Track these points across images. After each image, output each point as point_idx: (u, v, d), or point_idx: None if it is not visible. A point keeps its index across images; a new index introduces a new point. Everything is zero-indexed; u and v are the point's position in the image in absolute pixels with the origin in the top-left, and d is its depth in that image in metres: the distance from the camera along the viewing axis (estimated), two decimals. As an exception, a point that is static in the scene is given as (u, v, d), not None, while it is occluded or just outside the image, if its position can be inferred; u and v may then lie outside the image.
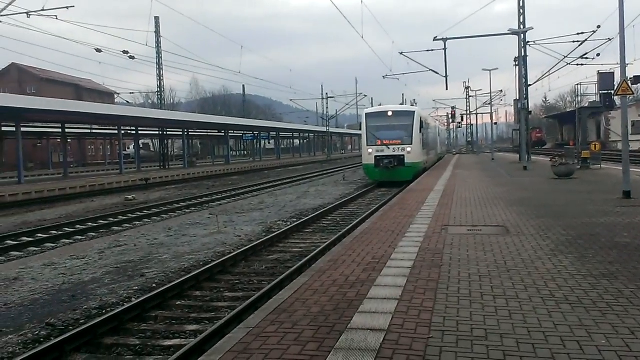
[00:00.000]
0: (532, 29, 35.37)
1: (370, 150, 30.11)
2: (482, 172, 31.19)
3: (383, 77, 46.83)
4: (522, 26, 36.53)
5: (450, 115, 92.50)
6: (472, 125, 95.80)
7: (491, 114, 66.03)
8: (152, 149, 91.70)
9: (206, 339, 6.94)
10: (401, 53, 36.43)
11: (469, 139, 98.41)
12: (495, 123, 77.25)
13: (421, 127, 31.19)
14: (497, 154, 58.93)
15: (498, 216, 12.75)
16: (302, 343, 4.96)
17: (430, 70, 37.15)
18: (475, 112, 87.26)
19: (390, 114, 31.11)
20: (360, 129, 32.51)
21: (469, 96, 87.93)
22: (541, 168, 31.10)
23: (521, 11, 37.15)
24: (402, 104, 39.43)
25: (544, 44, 35.69)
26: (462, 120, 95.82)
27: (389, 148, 29.65)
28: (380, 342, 4.89)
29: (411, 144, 29.71)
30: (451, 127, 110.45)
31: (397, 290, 6.55)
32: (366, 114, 32.11)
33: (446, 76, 35.98)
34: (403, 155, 29.41)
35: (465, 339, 4.91)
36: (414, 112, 31.59)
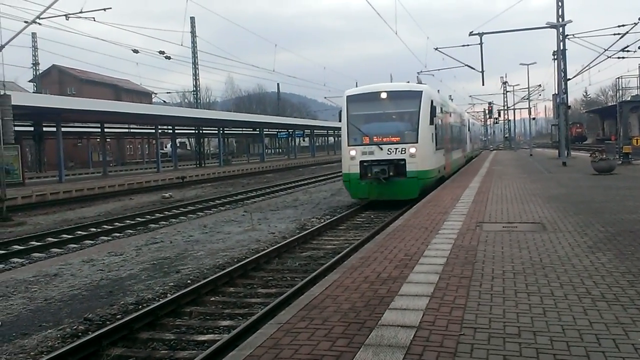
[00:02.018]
0: (571, 21, 34.57)
1: (352, 153, 19.37)
2: (519, 168, 30.65)
3: (418, 73, 46.37)
4: (560, 19, 35.79)
5: (486, 111, 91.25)
6: (510, 120, 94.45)
7: (529, 109, 64.85)
8: (188, 148, 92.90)
9: (239, 334, 7.00)
10: (436, 49, 36.06)
11: (506, 135, 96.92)
12: (534, 118, 75.89)
13: (433, 115, 19.83)
14: (535, 150, 57.91)
15: (534, 213, 12.53)
16: (332, 339, 4.96)
17: (466, 65, 36.66)
18: (512, 107, 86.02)
19: (384, 95, 19.97)
20: (340, 120, 20.58)
21: (506, 91, 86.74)
22: (581, 164, 30.43)
23: (559, 4, 36.40)
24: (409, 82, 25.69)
25: (583, 37, 34.99)
26: (499, 115, 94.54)
27: (381, 149, 19.06)
28: (411, 338, 4.86)
29: (416, 142, 19.02)
30: (488, 122, 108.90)
31: (429, 287, 6.49)
32: (348, 97, 20.52)
33: (482, 71, 35.46)
34: (404, 160, 18.86)
35: (498, 336, 4.84)
36: (421, 92, 19.85)
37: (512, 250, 8.49)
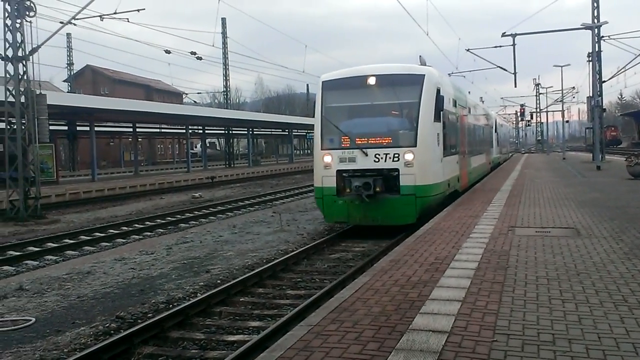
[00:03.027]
0: (607, 22, 33.90)
1: (327, 160, 14.32)
2: (552, 172, 30.17)
3: (449, 74, 46.03)
4: (595, 20, 35.14)
5: (518, 113, 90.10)
6: (542, 123, 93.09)
7: (562, 111, 63.81)
8: (218, 148, 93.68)
9: (268, 335, 7.01)
10: (468, 50, 35.72)
11: (539, 138, 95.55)
12: (567, 121, 74.67)
13: (439, 108, 14.63)
14: (568, 153, 56.99)
15: (568, 217, 12.31)
16: (362, 342, 4.93)
17: (498, 67, 36.21)
18: (545, 109, 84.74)
19: (371, 81, 14.61)
20: (314, 115, 15.27)
21: (539, 93, 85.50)
22: (615, 168, 29.82)
23: (595, 4, 35.75)
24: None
25: (619, 39, 34.36)
26: (532, 118, 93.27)
27: (366, 155, 13.96)
28: (443, 344, 4.80)
29: (414, 144, 13.87)
30: (520, 125, 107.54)
31: (460, 292, 6.42)
32: (323, 82, 15.29)
33: (515, 73, 34.96)
34: (396, 171, 13.81)
35: (532, 344, 4.76)
36: (423, 77, 14.47)
37: (545, 255, 8.34)
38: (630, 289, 6.32)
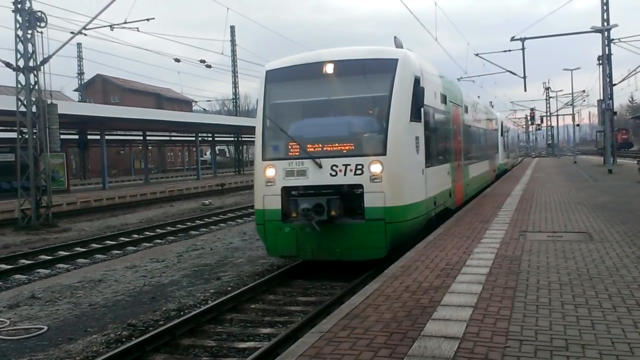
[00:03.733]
0: (617, 26, 33.81)
1: (270, 173, 11.05)
2: (562, 176, 30.00)
3: (458, 79, 46.04)
4: (605, 23, 35.02)
5: (528, 117, 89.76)
6: (553, 127, 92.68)
7: (573, 115, 63.64)
8: (227, 155, 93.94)
9: (279, 342, 7.00)
10: (477, 54, 35.72)
11: (549, 142, 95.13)
12: (578, 125, 74.39)
13: (419, 103, 11.27)
14: (579, 157, 56.67)
15: (580, 222, 12.22)
16: (374, 349, 4.91)
17: (508, 71, 36.17)
18: (555, 113, 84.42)
19: (329, 69, 11.28)
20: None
21: (549, 97, 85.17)
22: (627, 171, 29.61)
23: (604, 7, 35.62)
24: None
25: (630, 42, 34.18)
26: (542, 122, 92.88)
27: (319, 166, 10.67)
28: (455, 350, 4.78)
29: (384, 152, 10.55)
30: (530, 129, 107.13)
31: (472, 298, 6.38)
32: (268, 72, 11.98)
33: (524, 77, 34.93)
34: (360, 187, 10.54)
35: (545, 349, 4.72)
36: (396, 62, 11.10)
37: (557, 260, 8.28)
38: (644, 294, 6.26)
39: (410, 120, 10.89)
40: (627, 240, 9.63)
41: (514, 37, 32.56)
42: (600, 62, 36.64)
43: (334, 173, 10.51)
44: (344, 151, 10.67)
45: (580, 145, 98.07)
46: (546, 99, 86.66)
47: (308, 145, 10.77)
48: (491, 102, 47.44)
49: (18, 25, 22.22)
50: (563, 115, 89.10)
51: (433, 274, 7.67)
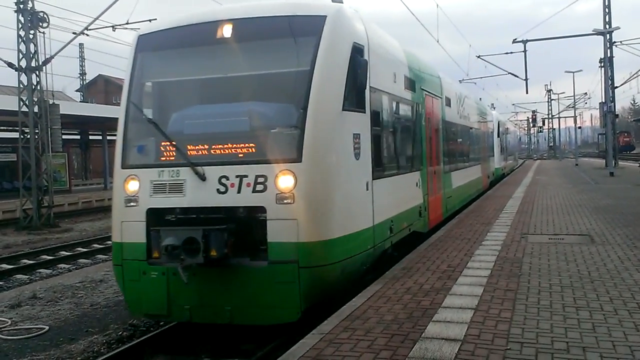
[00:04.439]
0: (619, 28, 33.82)
1: (132, 187, 7.48)
2: (564, 178, 29.98)
3: (460, 81, 46.03)
4: (607, 26, 35.02)
5: (530, 120, 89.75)
6: (554, 129, 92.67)
7: (575, 117, 63.49)
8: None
9: (280, 344, 7.00)
10: (478, 56, 35.70)
11: (551, 144, 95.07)
12: (579, 127, 74.30)
13: (358, 82, 7.58)
14: (581, 159, 56.63)
15: (582, 224, 12.21)
16: (375, 351, 4.91)
17: (510, 73, 36.17)
18: (557, 116, 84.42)
19: (225, 33, 7.68)
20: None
21: (551, 99, 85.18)
22: (629, 174, 29.60)
23: (607, 10, 35.62)
24: None
25: (631, 44, 34.15)
26: (544, 124, 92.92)
27: (202, 178, 7.16)
28: (456, 352, 4.78)
29: (298, 158, 6.97)
30: (532, 131, 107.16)
31: (473, 300, 6.38)
32: (140, 39, 8.30)
33: (526, 79, 34.90)
34: (261, 211, 7.01)
35: (545, 352, 4.72)
36: (323, 21, 7.46)
37: (559, 262, 8.28)
38: (645, 297, 6.26)
39: (344, 109, 7.38)
40: (629, 243, 9.62)
41: (515, 39, 32.55)
42: (602, 64, 36.63)
43: (223, 189, 7.07)
44: (240, 155, 7.22)
45: (582, 147, 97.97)
46: (548, 101, 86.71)
47: (188, 146, 7.37)
48: (493, 104, 47.35)
49: (20, 26, 22.27)
50: (565, 117, 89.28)
51: (434, 276, 7.67)
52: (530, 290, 6.72)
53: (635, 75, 39.13)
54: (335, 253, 7.11)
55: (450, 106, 15.38)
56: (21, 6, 22.08)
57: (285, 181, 6.87)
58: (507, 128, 43.56)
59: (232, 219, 7.06)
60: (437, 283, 7.26)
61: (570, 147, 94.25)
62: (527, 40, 32.65)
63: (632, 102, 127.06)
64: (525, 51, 33.02)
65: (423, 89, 11.93)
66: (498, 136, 30.86)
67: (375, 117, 8.51)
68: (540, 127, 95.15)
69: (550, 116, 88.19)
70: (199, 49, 8.06)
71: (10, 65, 22.35)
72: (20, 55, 22.37)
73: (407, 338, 5.20)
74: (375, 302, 6.51)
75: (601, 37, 33.49)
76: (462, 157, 17.50)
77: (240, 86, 7.81)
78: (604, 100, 36.20)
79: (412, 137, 11.09)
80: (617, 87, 38.88)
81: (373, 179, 8.22)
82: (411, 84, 10.96)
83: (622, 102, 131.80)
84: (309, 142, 6.97)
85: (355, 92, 7.65)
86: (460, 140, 17.46)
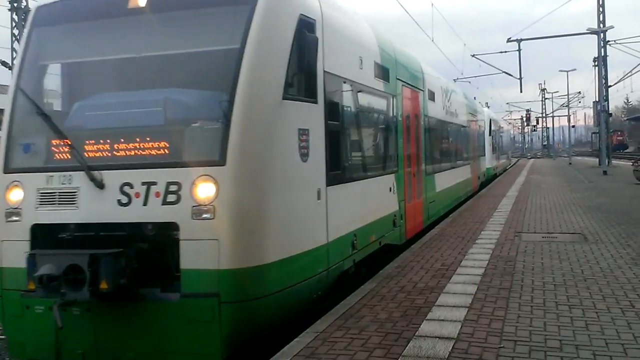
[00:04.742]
0: (613, 27, 33.96)
1: (15, 197, 5.98)
2: (558, 177, 30.09)
3: (454, 80, 46.11)
4: (601, 25, 35.14)
5: (524, 119, 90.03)
6: (548, 128, 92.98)
7: (568, 116, 63.85)
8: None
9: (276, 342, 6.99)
10: (473, 55, 35.83)
11: (545, 143, 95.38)
12: (573, 126, 74.67)
13: (305, 64, 6.12)
14: (574, 158, 56.87)
15: (575, 223, 12.27)
16: (369, 349, 4.93)
17: (504, 72, 36.34)
18: (551, 114, 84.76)
19: (140, 1, 6.13)
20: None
21: (545, 98, 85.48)
22: (622, 173, 29.72)
23: (600, 9, 35.74)
24: None
25: (625, 43, 34.32)
26: (538, 123, 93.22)
27: (99, 185, 5.67)
28: (449, 350, 4.80)
29: (222, 160, 5.48)
30: (526, 130, 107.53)
31: (467, 298, 6.41)
32: (37, 12, 6.71)
33: (520, 78, 35.10)
34: (172, 229, 5.50)
35: (539, 350, 4.75)
36: None
37: (552, 261, 8.32)
38: (638, 295, 6.31)
39: (286, 98, 5.95)
40: (622, 242, 9.67)
41: (510, 38, 32.75)
42: (596, 63, 36.80)
43: (125, 199, 5.64)
44: (149, 156, 5.76)
45: (576, 146, 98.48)
46: (542, 100, 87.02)
47: (85, 145, 5.91)
48: (487, 102, 47.46)
49: (14, 24, 22.20)
50: (559, 116, 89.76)
51: (428, 275, 7.69)
52: (524, 289, 6.75)
53: (629, 75, 39.35)
54: (270, 282, 5.61)
55: (434, 100, 13.96)
56: (15, 4, 22.02)
57: (204, 190, 5.42)
58: (500, 126, 41.66)
59: (136, 239, 5.61)
60: (431, 281, 7.29)
61: (563, 146, 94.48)
62: (522, 40, 32.83)
63: (626, 101, 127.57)
64: (519, 50, 33.24)
65: (400, 80, 10.50)
66: (490, 134, 29.69)
67: (333, 109, 7.06)
68: (534, 126, 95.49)
69: (544, 115, 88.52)
70: (106, 23, 6.41)
71: (4, 64, 22.26)
72: (14, 54, 22.30)
73: (400, 336, 5.22)
74: (370, 300, 6.52)
75: (595, 37, 33.65)
76: (448, 157, 15.99)
77: (155, 69, 6.34)
78: (597, 99, 36.40)
79: (384, 135, 9.60)
80: (610, 86, 39.04)
81: (328, 186, 6.75)
82: (384, 73, 9.47)
83: (615, 101, 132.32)
84: (236, 140, 5.50)
85: (302, 78, 6.23)
86: (446, 138, 16.09)
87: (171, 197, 5.50)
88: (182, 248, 5.41)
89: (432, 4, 27.28)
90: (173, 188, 5.51)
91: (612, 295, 6.32)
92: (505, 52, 34.45)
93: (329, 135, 6.84)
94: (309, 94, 6.42)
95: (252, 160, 5.62)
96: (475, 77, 44.46)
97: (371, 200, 8.59)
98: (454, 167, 16.87)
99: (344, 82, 7.55)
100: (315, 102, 6.57)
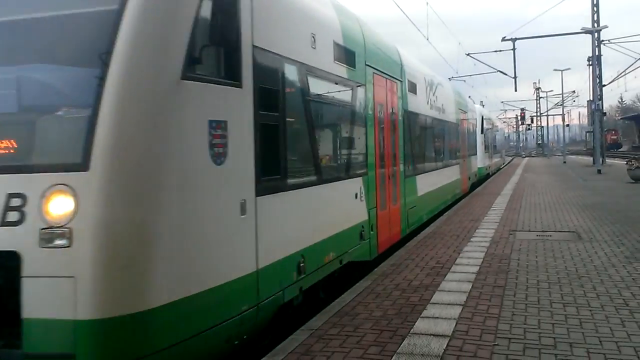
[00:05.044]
0: (607, 27, 34.05)
1: None
2: (552, 176, 30.18)
3: (449, 79, 46.06)
4: (596, 24, 35.22)
5: (519, 117, 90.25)
6: (543, 127, 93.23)
7: (563, 115, 63.91)
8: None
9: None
10: (468, 54, 35.89)
11: (539, 142, 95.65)
12: (567, 125, 74.82)
13: (218, 34, 4.55)
14: (569, 157, 57.04)
15: (569, 221, 12.31)
16: (363, 347, 4.93)
17: (498, 71, 36.41)
18: (545, 113, 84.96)
19: None
20: None
21: (539, 97, 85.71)
22: (616, 172, 29.83)
23: (595, 9, 35.83)
24: None
25: (619, 43, 34.45)
26: (532, 122, 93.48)
27: None
28: (444, 348, 4.81)
29: (84, 164, 3.89)
30: (520, 129, 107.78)
31: (461, 296, 6.42)
32: None
33: (515, 77, 35.18)
34: (12, 259, 3.82)
35: (533, 347, 4.76)
36: None
37: (546, 259, 8.34)
38: (632, 293, 6.33)
39: (186, 78, 4.37)
40: (616, 240, 9.71)
41: (504, 37, 32.82)
42: (590, 63, 36.92)
43: None
44: None
45: (570, 145, 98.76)
46: (536, 99, 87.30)
47: None
48: (482, 101, 47.50)
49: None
50: (553, 115, 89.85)
51: (423, 272, 7.70)
52: (518, 287, 6.77)
53: (623, 74, 39.48)
54: (158, 335, 4.05)
55: (415, 93, 12.37)
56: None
57: (57, 205, 3.88)
58: (494, 124, 39.37)
59: None
60: (426, 279, 7.30)
61: (558, 145, 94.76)
62: (516, 39, 32.94)
63: (620, 100, 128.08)
64: (514, 49, 33.35)
65: (370, 66, 8.90)
66: (482, 132, 28.14)
67: (267, 96, 5.44)
68: (529, 125, 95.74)
69: (538, 114, 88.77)
70: None
71: None
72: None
73: (395, 334, 5.22)
74: (365, 298, 6.53)
75: (589, 36, 33.73)
76: (432, 157, 14.44)
77: (9, 38, 4.70)
78: (592, 98, 36.49)
79: (347, 131, 7.99)
80: (605, 85, 39.17)
81: (259, 195, 5.18)
82: (348, 56, 7.90)
83: (609, 100, 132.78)
84: (106, 134, 3.95)
85: (215, 52, 4.73)
86: (431, 136, 14.44)
87: (11, 216, 3.91)
88: (25, 288, 3.82)
89: (427, 3, 27.28)
90: (15, 202, 3.92)
91: (606, 294, 6.35)
92: (500, 51, 34.58)
93: (260, 130, 5.23)
94: (229, 75, 4.85)
95: (130, 163, 3.99)
96: (470, 75, 44.46)
97: (327, 211, 7.02)
98: (440, 168, 15.37)
99: (285, 62, 5.90)
100: (239, 86, 4.95)
